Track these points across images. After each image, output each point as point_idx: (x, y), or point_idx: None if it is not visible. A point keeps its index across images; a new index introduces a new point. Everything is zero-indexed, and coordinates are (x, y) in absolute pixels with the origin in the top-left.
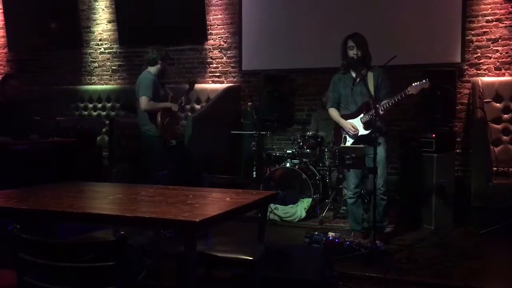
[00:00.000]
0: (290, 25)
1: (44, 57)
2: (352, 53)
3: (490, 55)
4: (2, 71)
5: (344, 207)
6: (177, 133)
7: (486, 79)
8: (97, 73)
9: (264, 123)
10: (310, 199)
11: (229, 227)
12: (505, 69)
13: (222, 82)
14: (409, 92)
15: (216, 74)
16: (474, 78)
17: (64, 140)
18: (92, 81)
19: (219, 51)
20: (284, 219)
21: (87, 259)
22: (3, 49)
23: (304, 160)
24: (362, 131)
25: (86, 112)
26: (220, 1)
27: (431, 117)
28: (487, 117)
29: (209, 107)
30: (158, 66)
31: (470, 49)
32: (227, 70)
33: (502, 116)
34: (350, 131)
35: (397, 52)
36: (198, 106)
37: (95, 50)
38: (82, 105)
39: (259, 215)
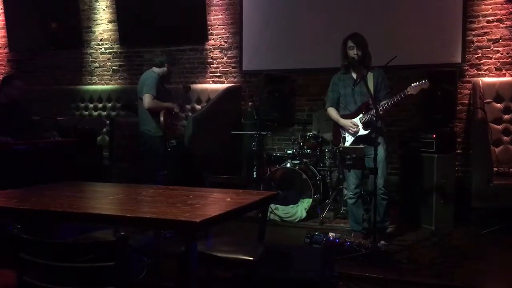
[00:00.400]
0: (291, 25)
1: (44, 57)
2: (352, 53)
3: (490, 56)
4: (3, 71)
5: (345, 208)
6: (177, 133)
7: (487, 79)
8: (98, 73)
9: (265, 123)
10: (311, 200)
11: (229, 227)
12: (506, 70)
13: (222, 82)
14: (409, 93)
15: (217, 74)
16: (475, 79)
17: (64, 140)
18: (93, 81)
19: (219, 51)
20: (285, 219)
21: (87, 259)
22: (4, 49)
23: (304, 160)
24: (362, 131)
25: (86, 112)
26: (220, 1)
27: (431, 117)
28: (487, 117)
29: (210, 107)
30: (164, 68)
31: (471, 50)
32: (227, 70)
33: (503, 116)
34: (351, 128)
35: (398, 52)
36: (198, 106)
37: (96, 50)
38: (82, 105)
39: (260, 215)
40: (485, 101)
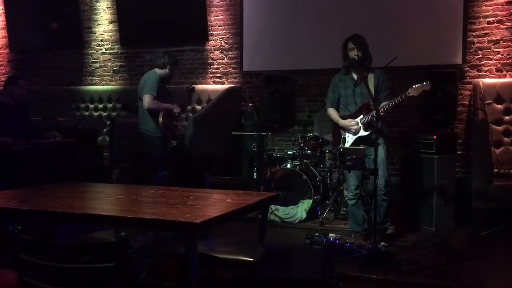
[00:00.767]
0: (291, 26)
1: (45, 58)
2: (352, 54)
3: (491, 57)
4: (4, 71)
5: (345, 209)
6: (177, 134)
7: (487, 80)
8: (98, 73)
9: (265, 124)
10: (311, 200)
11: (229, 228)
12: (506, 71)
13: (223, 83)
14: (410, 94)
15: (217, 75)
16: (475, 80)
17: (65, 141)
18: (93, 81)
19: (220, 52)
20: (285, 220)
21: (87, 260)
22: (5, 49)
23: (304, 161)
24: (362, 132)
25: (87, 113)
26: (221, 2)
27: (432, 118)
28: (488, 118)
29: (210, 108)
30: (166, 70)
31: (472, 51)
32: (228, 71)
33: (503, 117)
34: (352, 127)
35: (398, 53)
36: (199, 107)
37: (96, 51)
38: (83, 105)
39: (260, 216)
40: (485, 102)
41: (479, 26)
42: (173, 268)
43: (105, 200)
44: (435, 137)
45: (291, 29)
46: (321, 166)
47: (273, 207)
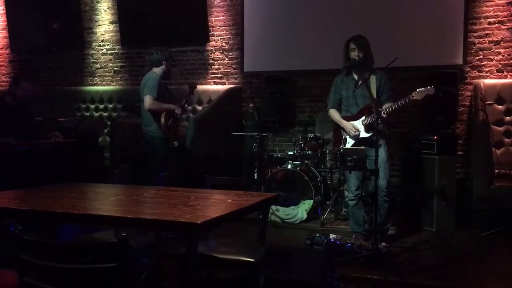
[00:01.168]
0: (292, 27)
1: (46, 58)
2: (354, 55)
3: (492, 57)
4: (4, 71)
5: (346, 209)
6: (179, 135)
7: (488, 81)
8: (99, 74)
9: (266, 125)
10: (312, 201)
11: (230, 228)
12: (507, 71)
13: (224, 84)
14: (414, 98)
15: (218, 76)
16: (476, 80)
17: (65, 141)
18: (94, 82)
19: (221, 53)
20: (286, 220)
21: (88, 261)
22: (5, 49)
23: (305, 161)
24: (363, 134)
25: (88, 113)
26: (222, 3)
27: (433, 119)
28: (489, 119)
29: (211, 109)
30: (163, 66)
31: (472, 51)
32: (229, 72)
33: (504, 118)
34: (351, 131)
35: (399, 54)
36: (200, 108)
37: (97, 51)
38: (84, 106)
39: (261, 216)
40: (486, 103)
41: (480, 27)
42: (174, 269)
43: (106, 200)
44: (435, 137)
45: (292, 29)
46: (322, 166)
47: (273, 207)
